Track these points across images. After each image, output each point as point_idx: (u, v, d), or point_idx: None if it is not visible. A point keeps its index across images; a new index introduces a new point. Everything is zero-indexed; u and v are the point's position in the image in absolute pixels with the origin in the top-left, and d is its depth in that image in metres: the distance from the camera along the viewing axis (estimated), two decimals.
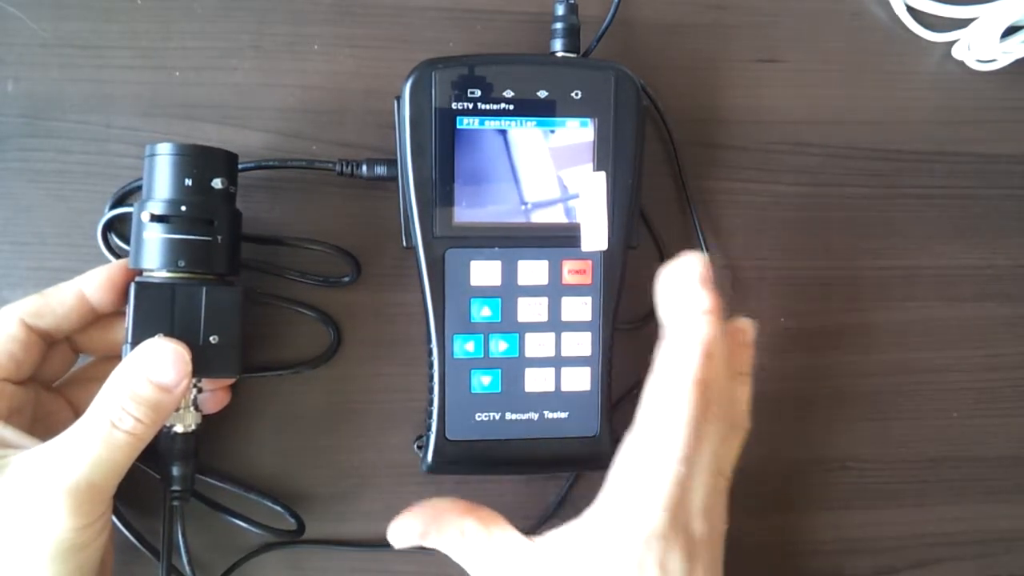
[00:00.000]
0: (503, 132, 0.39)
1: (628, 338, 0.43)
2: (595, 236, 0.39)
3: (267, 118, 0.43)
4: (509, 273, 0.40)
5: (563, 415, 0.40)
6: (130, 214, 0.38)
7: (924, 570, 0.47)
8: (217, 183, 0.37)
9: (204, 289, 0.36)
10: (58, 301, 0.37)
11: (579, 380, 0.40)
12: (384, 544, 0.43)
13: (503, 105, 0.39)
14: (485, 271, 0.39)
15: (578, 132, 0.40)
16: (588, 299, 0.40)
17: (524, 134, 0.39)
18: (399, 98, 0.39)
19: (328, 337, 0.43)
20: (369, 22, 0.43)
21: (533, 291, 0.40)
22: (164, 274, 0.36)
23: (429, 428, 0.40)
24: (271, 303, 0.42)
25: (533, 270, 0.40)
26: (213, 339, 0.36)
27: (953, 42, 0.47)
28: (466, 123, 0.39)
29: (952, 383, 0.48)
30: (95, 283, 0.37)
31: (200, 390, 0.38)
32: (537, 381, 0.40)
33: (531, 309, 0.40)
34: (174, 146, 0.36)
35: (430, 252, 0.39)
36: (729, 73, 0.46)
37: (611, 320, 0.40)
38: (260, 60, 0.43)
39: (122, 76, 0.42)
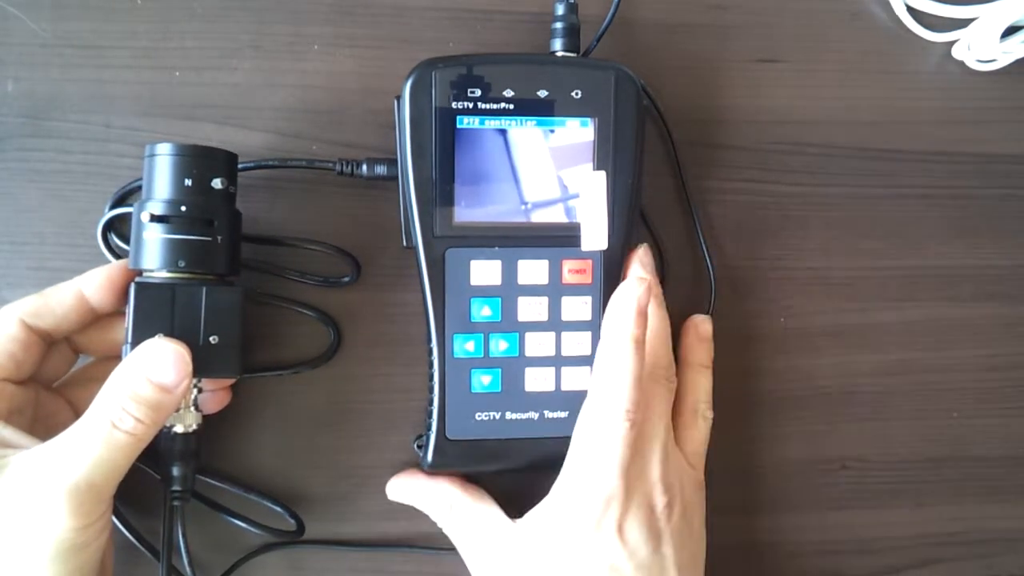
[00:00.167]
0: (503, 132, 0.39)
1: None
2: (595, 236, 0.39)
3: (267, 118, 0.43)
4: (509, 273, 0.40)
5: (563, 415, 0.40)
6: (130, 214, 0.38)
7: (924, 570, 0.47)
8: (217, 183, 0.37)
9: (204, 289, 0.36)
10: (57, 301, 0.37)
11: (579, 380, 0.40)
12: (384, 544, 0.43)
13: (503, 105, 0.39)
14: (485, 271, 0.39)
15: (578, 132, 0.40)
16: (588, 299, 0.40)
17: (524, 134, 0.39)
18: (399, 98, 0.39)
19: (328, 337, 0.43)
20: (369, 22, 0.43)
21: (533, 291, 0.40)
22: (164, 274, 0.36)
23: (429, 427, 0.40)
24: (271, 303, 0.42)
25: (533, 270, 0.40)
26: (213, 339, 0.36)
27: (953, 42, 0.47)
28: (466, 123, 0.39)
29: (952, 383, 0.48)
30: (95, 283, 0.37)
31: (200, 390, 0.38)
32: (537, 381, 0.40)
33: (531, 309, 0.40)
34: (174, 146, 0.36)
35: (430, 252, 0.39)
36: (729, 73, 0.46)
37: None
38: (260, 60, 0.43)
39: (122, 76, 0.42)
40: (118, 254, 0.41)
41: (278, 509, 0.41)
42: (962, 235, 0.48)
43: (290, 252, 0.42)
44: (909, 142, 0.47)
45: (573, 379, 0.40)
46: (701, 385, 0.42)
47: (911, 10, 0.47)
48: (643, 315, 0.37)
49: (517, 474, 0.40)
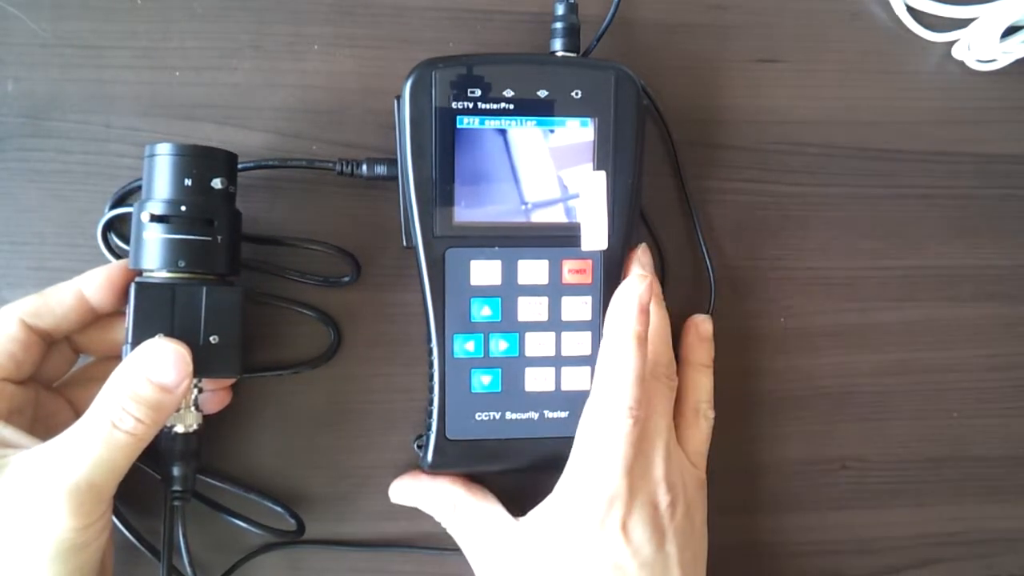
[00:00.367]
0: (503, 132, 0.39)
1: None
2: (595, 236, 0.39)
3: (267, 118, 0.43)
4: (509, 273, 0.40)
5: (563, 414, 0.40)
6: (130, 214, 0.38)
7: (924, 570, 0.47)
8: (217, 183, 0.37)
9: (204, 289, 0.36)
10: (57, 301, 0.37)
11: (579, 379, 0.40)
12: (384, 544, 0.43)
13: (503, 105, 0.39)
14: (485, 271, 0.39)
15: (578, 132, 0.40)
16: (588, 299, 0.40)
17: (524, 134, 0.39)
18: (399, 98, 0.39)
19: (328, 337, 0.43)
20: (369, 22, 0.43)
21: (533, 291, 0.40)
22: (164, 274, 0.36)
23: (429, 427, 0.40)
24: (271, 303, 0.42)
25: (533, 270, 0.40)
26: (213, 339, 0.36)
27: (953, 42, 0.47)
28: (466, 123, 0.39)
29: (952, 383, 0.48)
30: (95, 283, 0.37)
31: (200, 390, 0.38)
32: (537, 380, 0.40)
33: (531, 309, 0.40)
34: (174, 146, 0.36)
35: (430, 252, 0.39)
36: (729, 73, 0.46)
37: None
38: (260, 60, 0.43)
39: (122, 76, 0.42)
40: (118, 254, 0.41)
41: (278, 509, 0.41)
42: (962, 235, 0.48)
43: (290, 252, 0.42)
44: (909, 142, 0.47)
45: (573, 379, 0.40)
46: (702, 384, 0.42)
47: (911, 10, 0.47)
48: (645, 312, 0.37)
49: (518, 474, 0.40)
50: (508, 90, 0.39)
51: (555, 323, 0.40)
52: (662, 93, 0.45)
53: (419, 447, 0.41)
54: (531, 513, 0.39)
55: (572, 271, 0.40)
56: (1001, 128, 0.48)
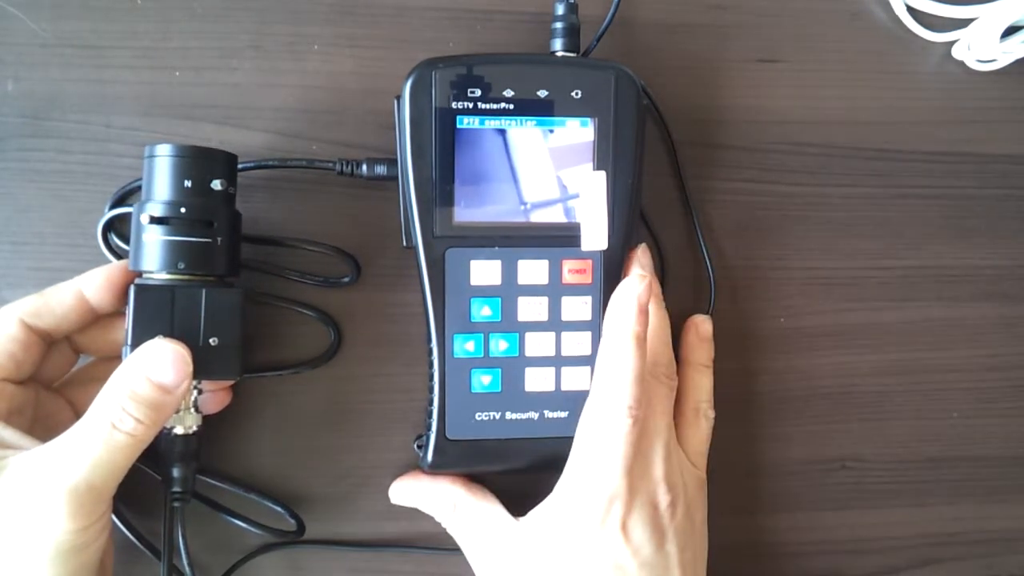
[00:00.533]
0: (503, 132, 0.39)
1: None
2: (595, 236, 0.39)
3: (267, 118, 0.43)
4: (509, 273, 0.40)
5: (563, 414, 0.40)
6: (130, 214, 0.38)
7: (924, 570, 0.47)
8: (216, 184, 0.37)
9: (204, 291, 0.36)
10: (57, 301, 0.37)
11: (579, 380, 0.40)
12: (384, 544, 0.43)
13: (503, 105, 0.39)
14: (485, 271, 0.39)
15: (578, 132, 0.40)
16: (588, 299, 0.40)
17: (524, 134, 0.39)
18: (399, 98, 0.39)
19: (328, 337, 0.43)
20: (369, 22, 0.43)
21: (533, 291, 0.40)
22: (164, 276, 0.36)
23: (429, 427, 0.40)
24: (271, 303, 0.42)
25: (533, 270, 0.40)
26: (213, 341, 0.36)
27: (953, 42, 0.47)
28: (466, 123, 0.39)
29: (952, 383, 0.48)
30: (94, 283, 0.37)
31: (200, 391, 0.38)
32: (537, 380, 0.40)
33: (531, 309, 0.40)
34: (173, 147, 0.36)
35: (430, 252, 0.39)
36: (729, 73, 0.46)
37: None
38: (260, 60, 0.43)
39: (122, 76, 0.42)
40: (118, 254, 0.41)
41: (278, 509, 0.41)
42: (962, 235, 0.48)
43: (290, 252, 0.42)
44: (909, 142, 0.47)
45: (573, 379, 0.40)
46: (702, 384, 0.42)
47: (911, 10, 0.47)
48: (644, 312, 0.37)
49: (518, 474, 0.40)
50: (508, 90, 0.39)
51: (555, 323, 0.40)
52: (662, 93, 0.45)
53: (419, 447, 0.41)
54: (531, 513, 0.39)
55: (572, 271, 0.40)
56: (1001, 128, 0.48)
